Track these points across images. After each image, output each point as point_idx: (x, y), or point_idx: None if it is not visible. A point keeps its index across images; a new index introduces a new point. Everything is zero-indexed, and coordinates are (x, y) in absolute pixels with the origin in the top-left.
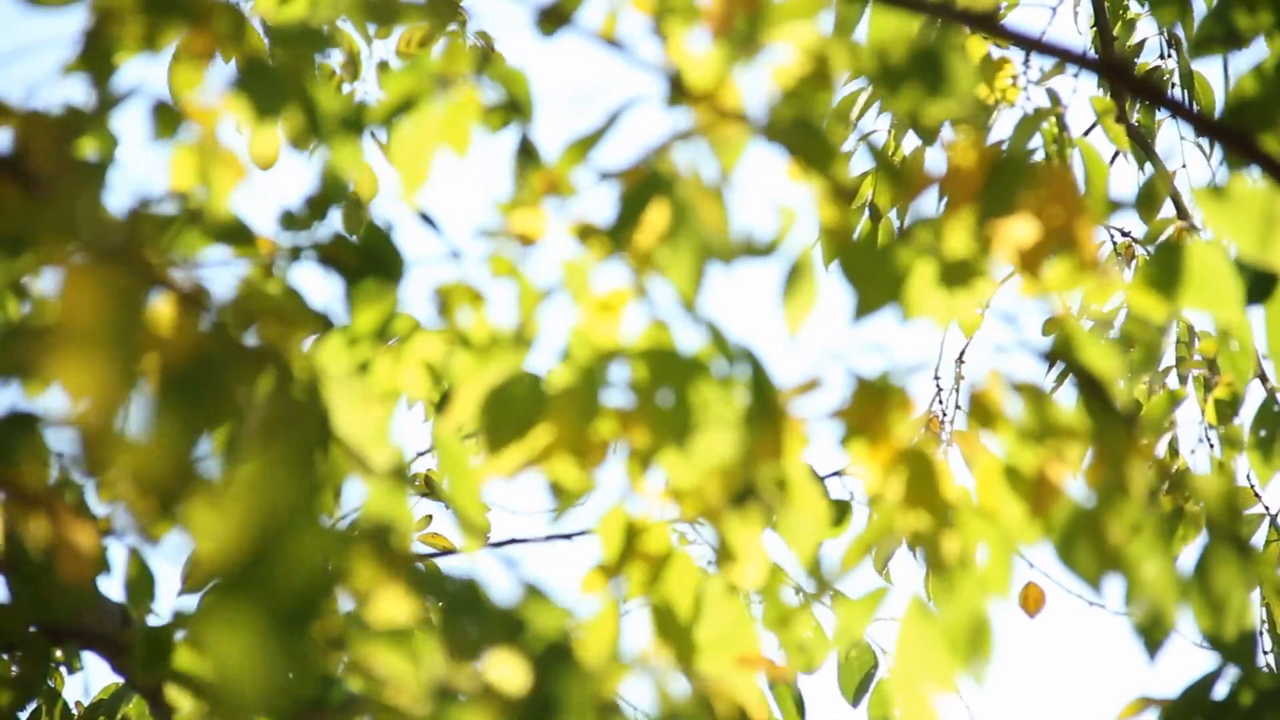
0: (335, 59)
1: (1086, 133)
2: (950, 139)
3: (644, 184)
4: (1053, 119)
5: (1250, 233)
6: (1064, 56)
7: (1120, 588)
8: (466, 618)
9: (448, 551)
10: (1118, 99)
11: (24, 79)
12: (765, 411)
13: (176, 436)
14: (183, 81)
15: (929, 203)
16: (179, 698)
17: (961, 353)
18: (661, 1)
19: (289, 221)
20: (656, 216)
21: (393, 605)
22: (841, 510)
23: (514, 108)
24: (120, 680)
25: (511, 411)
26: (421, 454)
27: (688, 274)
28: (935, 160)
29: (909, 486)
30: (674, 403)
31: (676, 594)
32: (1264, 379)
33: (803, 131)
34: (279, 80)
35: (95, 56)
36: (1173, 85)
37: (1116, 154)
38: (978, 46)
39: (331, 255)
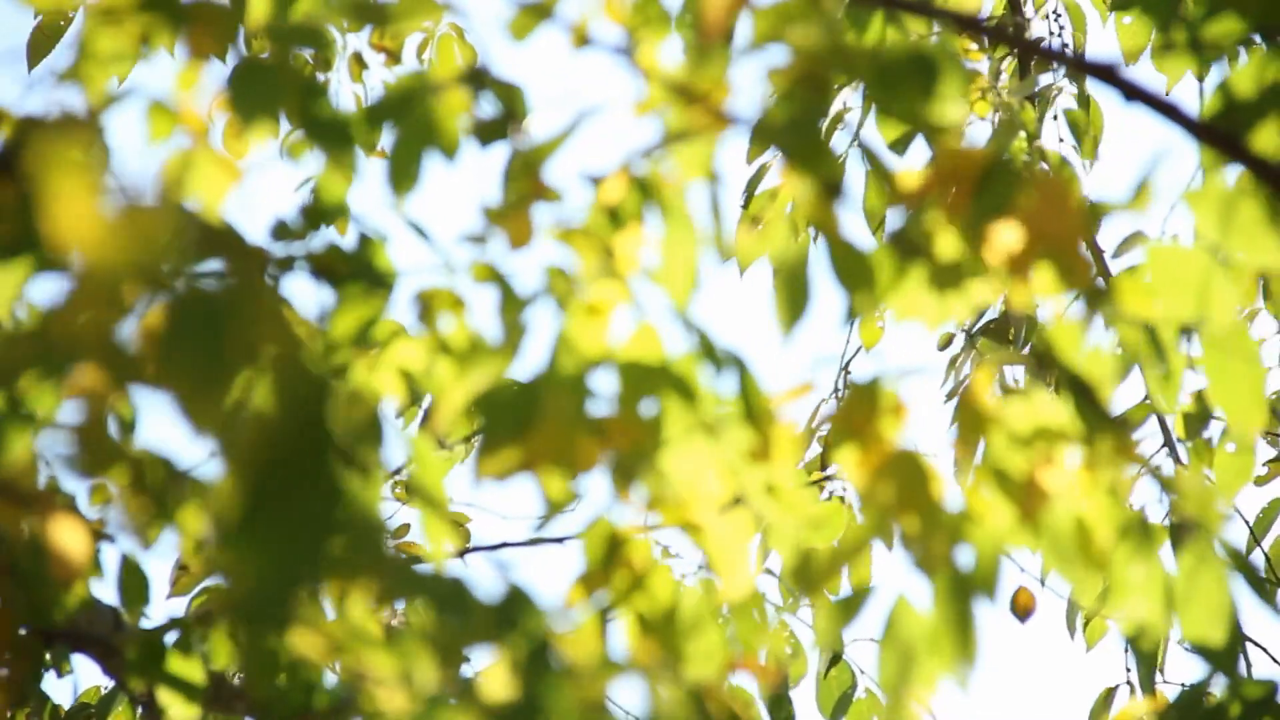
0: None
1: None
2: (941, 142)
3: (633, 187)
4: (1024, 129)
5: (1242, 235)
6: (1053, 57)
7: (1111, 593)
8: (453, 616)
9: (423, 560)
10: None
11: (19, 79)
12: (753, 417)
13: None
14: (179, 84)
15: (920, 206)
16: (171, 701)
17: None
18: (637, 12)
19: (282, 232)
20: (646, 220)
21: (380, 605)
22: (830, 515)
23: (508, 121)
24: (110, 683)
25: (502, 417)
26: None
27: (678, 278)
28: (922, 163)
29: (899, 489)
30: (659, 411)
31: (659, 604)
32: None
33: (796, 133)
34: (273, 83)
35: (90, 58)
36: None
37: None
38: None
39: (324, 265)
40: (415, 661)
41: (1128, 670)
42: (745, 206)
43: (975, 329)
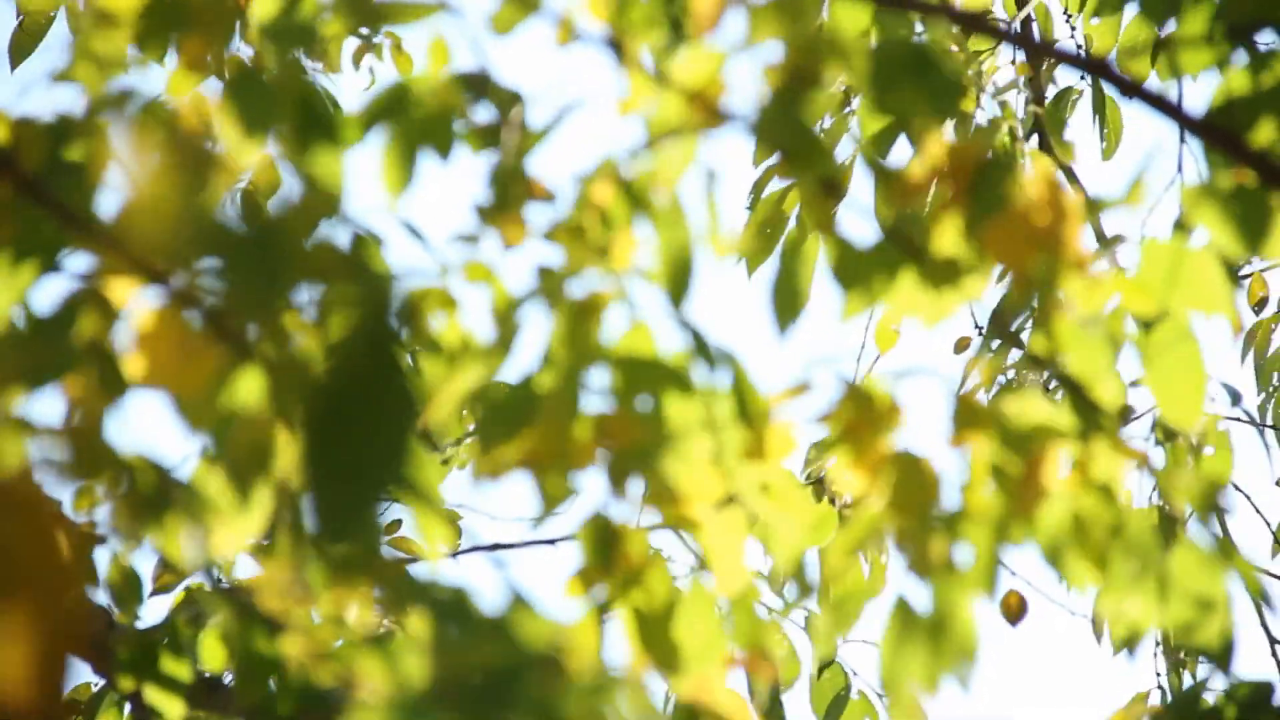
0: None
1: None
2: (930, 138)
3: (620, 188)
4: (1006, 128)
5: (1242, 230)
6: (1048, 55)
7: (1105, 590)
8: (454, 626)
9: (416, 558)
10: (1035, 84)
11: (16, 80)
12: (748, 416)
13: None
14: (177, 87)
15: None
16: (164, 701)
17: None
18: (623, 8)
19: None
20: (635, 220)
21: (378, 612)
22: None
23: (504, 127)
24: (100, 681)
25: (498, 415)
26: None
27: (672, 276)
28: (918, 160)
29: (896, 489)
30: (653, 408)
31: (656, 600)
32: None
33: (792, 130)
34: (270, 93)
35: (88, 60)
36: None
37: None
38: None
39: (319, 265)
40: (408, 669)
41: (1158, 675)
42: (751, 208)
43: (991, 332)
